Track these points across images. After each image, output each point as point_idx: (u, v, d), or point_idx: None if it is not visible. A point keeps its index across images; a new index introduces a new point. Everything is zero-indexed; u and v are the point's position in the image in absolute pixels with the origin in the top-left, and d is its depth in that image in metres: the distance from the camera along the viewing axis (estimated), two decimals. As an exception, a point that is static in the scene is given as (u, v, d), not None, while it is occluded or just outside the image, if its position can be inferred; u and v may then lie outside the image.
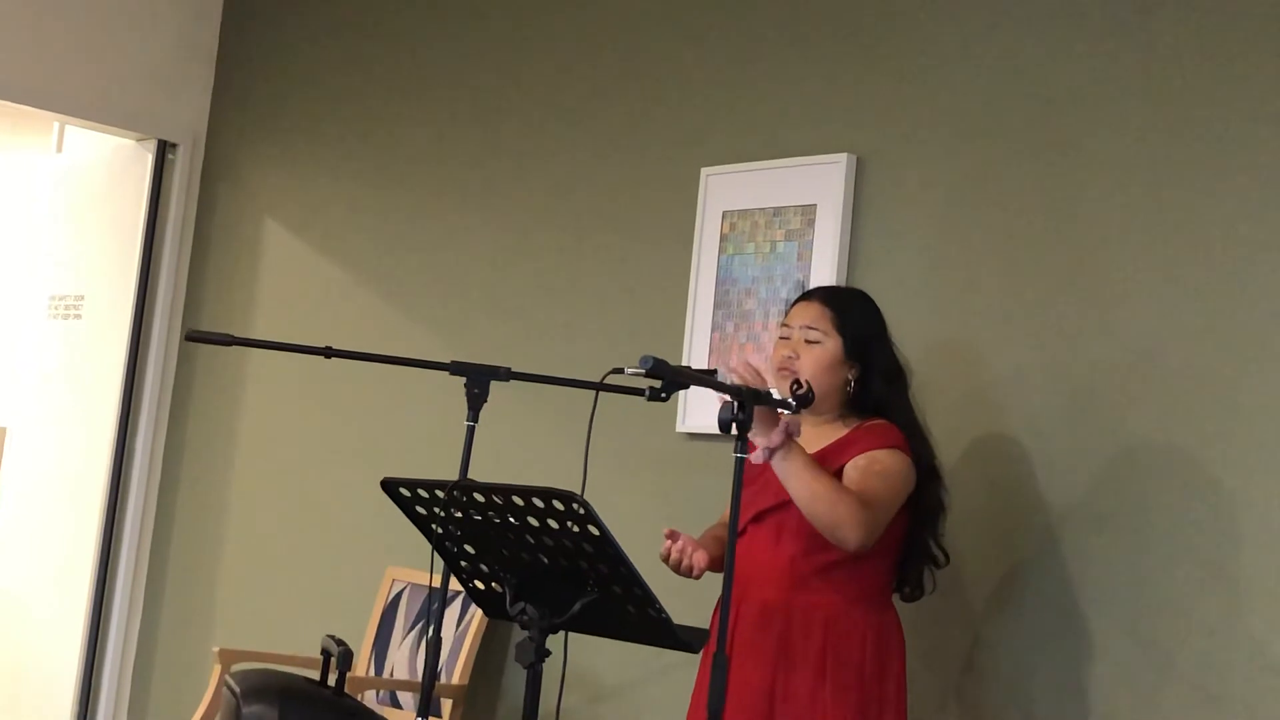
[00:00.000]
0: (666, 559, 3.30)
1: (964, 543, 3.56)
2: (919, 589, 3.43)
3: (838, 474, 3.27)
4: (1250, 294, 3.38)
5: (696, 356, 4.34)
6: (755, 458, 3.10)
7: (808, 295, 3.51)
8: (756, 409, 3.03)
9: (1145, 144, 3.58)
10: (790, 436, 3.11)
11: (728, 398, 2.92)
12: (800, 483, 3.15)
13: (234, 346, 3.42)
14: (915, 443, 3.36)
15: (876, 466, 3.27)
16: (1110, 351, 3.57)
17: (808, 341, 3.37)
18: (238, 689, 3.47)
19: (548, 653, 2.94)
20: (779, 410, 3.12)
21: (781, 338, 3.44)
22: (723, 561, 3.42)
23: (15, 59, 5.87)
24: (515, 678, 4.76)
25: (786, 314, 3.50)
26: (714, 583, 3.23)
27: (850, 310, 3.42)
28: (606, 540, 2.80)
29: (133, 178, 6.24)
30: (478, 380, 3.30)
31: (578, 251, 4.82)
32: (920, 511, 3.37)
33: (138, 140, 6.25)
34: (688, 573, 3.30)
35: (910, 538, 3.38)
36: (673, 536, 3.29)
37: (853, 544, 3.18)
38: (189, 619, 5.94)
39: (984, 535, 3.66)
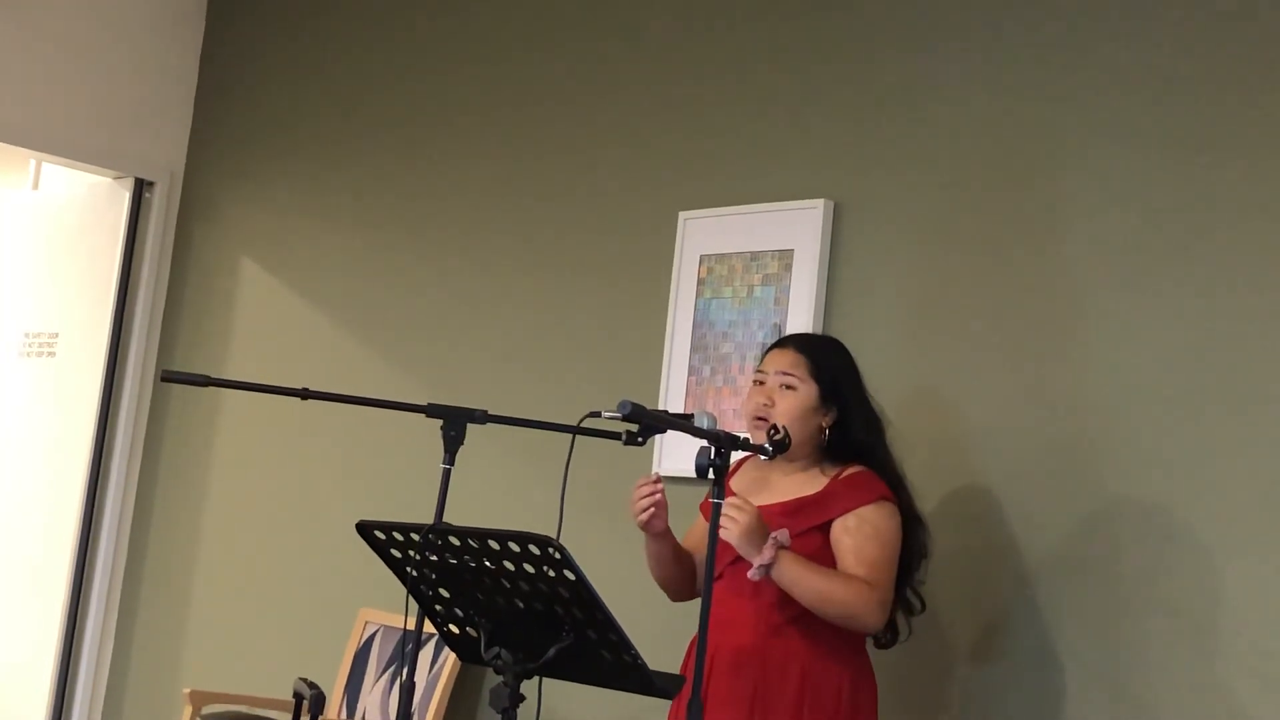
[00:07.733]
0: (640, 488, 3.30)
1: (941, 591, 3.55)
2: (894, 635, 3.43)
3: (823, 529, 3.28)
4: (1228, 345, 3.39)
5: (673, 400, 4.34)
6: (752, 575, 3.15)
7: (782, 343, 3.50)
8: (744, 528, 3.09)
9: (1126, 193, 3.59)
10: (781, 549, 3.14)
11: (704, 442, 2.92)
12: (805, 590, 3.18)
13: (209, 387, 3.40)
14: (899, 489, 3.36)
15: (868, 529, 3.26)
16: (1087, 401, 3.57)
17: (784, 387, 3.37)
18: (209, 732, 3.45)
19: (522, 698, 2.93)
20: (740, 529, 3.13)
21: (756, 383, 3.44)
22: (684, 581, 3.43)
23: (-8, 96, 5.86)
24: (488, 722, 4.73)
25: (760, 361, 3.50)
26: (689, 628, 3.22)
27: (826, 357, 3.42)
28: (582, 585, 2.79)
29: (109, 215, 6.22)
30: (454, 423, 3.28)
31: (555, 294, 4.82)
32: (902, 558, 3.36)
33: (114, 178, 6.23)
34: (640, 512, 3.29)
35: (889, 584, 3.38)
36: (659, 483, 3.29)
37: (872, 629, 3.26)
38: (160, 659, 5.90)
39: (960, 584, 3.66)
